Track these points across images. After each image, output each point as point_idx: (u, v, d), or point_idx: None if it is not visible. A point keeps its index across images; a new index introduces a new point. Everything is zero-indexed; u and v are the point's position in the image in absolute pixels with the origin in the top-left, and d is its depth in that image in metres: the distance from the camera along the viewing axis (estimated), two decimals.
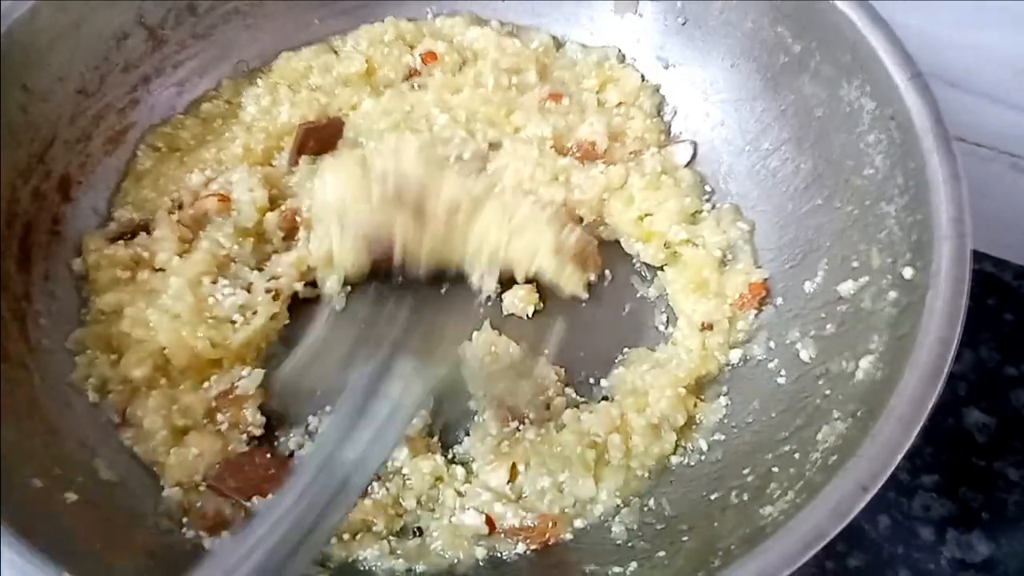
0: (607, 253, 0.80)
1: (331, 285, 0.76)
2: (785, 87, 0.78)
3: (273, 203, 0.79)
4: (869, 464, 0.53)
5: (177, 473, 0.66)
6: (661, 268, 0.79)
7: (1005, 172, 0.87)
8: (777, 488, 0.58)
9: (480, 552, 0.65)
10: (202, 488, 0.66)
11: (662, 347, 0.75)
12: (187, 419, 0.68)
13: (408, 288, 0.78)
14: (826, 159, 0.73)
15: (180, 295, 0.70)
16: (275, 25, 0.88)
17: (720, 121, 0.83)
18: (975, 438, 0.82)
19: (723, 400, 0.71)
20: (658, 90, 0.87)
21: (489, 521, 0.65)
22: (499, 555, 0.65)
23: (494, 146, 0.81)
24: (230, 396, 0.69)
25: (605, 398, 0.72)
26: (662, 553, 0.61)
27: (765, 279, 0.75)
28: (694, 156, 0.84)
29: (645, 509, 0.66)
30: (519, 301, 0.76)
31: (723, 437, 0.69)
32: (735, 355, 0.73)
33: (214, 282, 0.73)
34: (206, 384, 0.70)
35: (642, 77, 0.87)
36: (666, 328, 0.77)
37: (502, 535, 0.65)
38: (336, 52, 0.88)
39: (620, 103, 0.86)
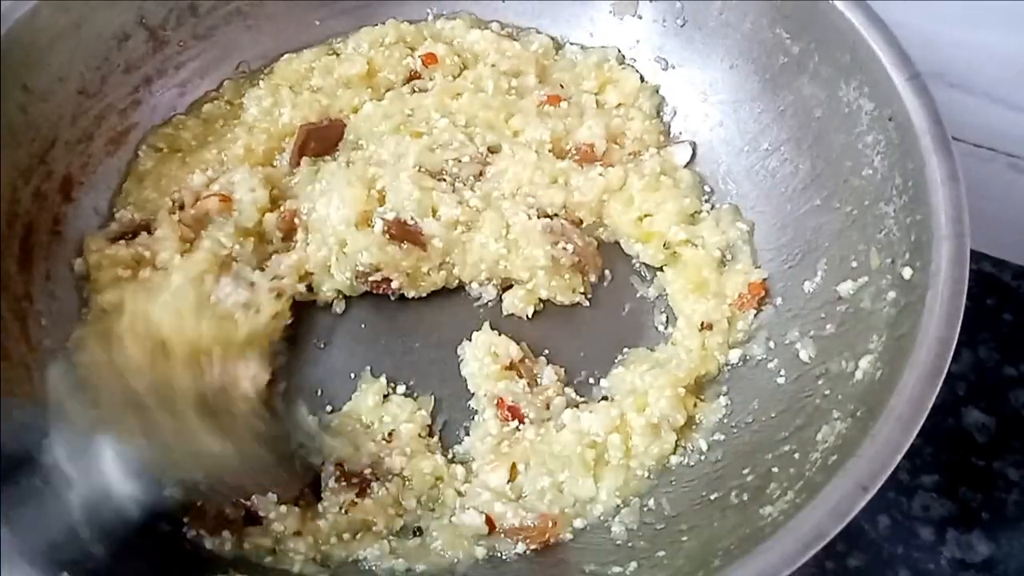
0: (607, 254, 0.80)
1: (328, 291, 0.76)
2: (784, 88, 0.78)
3: (274, 203, 0.79)
4: (869, 464, 0.53)
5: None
6: (661, 268, 0.79)
7: (1004, 172, 0.87)
8: (777, 488, 0.59)
9: (480, 552, 0.65)
10: (202, 487, 0.66)
11: (662, 347, 0.75)
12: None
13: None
14: (825, 160, 0.74)
15: (182, 291, 0.70)
16: (276, 26, 0.88)
17: (719, 122, 0.83)
18: (975, 438, 0.82)
19: (723, 400, 0.71)
20: (657, 91, 0.87)
21: (489, 521, 0.65)
22: (499, 555, 0.65)
23: (493, 150, 0.81)
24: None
25: (605, 398, 0.73)
26: (662, 553, 0.61)
27: (764, 279, 0.75)
28: (693, 156, 0.84)
29: (645, 509, 0.66)
30: (519, 302, 0.76)
31: (723, 437, 0.69)
32: (735, 355, 0.73)
33: (216, 281, 0.73)
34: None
35: (641, 78, 0.87)
36: (666, 328, 0.77)
37: (502, 535, 0.65)
38: (337, 54, 0.88)
39: (619, 104, 0.87)
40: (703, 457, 0.68)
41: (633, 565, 0.60)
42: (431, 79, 0.86)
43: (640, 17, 0.87)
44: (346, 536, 0.65)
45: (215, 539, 0.63)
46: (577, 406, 0.71)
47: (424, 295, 0.77)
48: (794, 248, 0.75)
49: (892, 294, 0.63)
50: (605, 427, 0.68)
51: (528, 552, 0.65)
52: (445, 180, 0.78)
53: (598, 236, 0.81)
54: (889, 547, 0.76)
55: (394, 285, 0.75)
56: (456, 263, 0.76)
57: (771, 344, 0.72)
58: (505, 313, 0.77)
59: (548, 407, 0.71)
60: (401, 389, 0.74)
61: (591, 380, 0.74)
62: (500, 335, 0.74)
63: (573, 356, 0.75)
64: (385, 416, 0.71)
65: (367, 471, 0.67)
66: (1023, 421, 0.82)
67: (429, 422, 0.72)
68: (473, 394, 0.73)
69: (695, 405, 0.71)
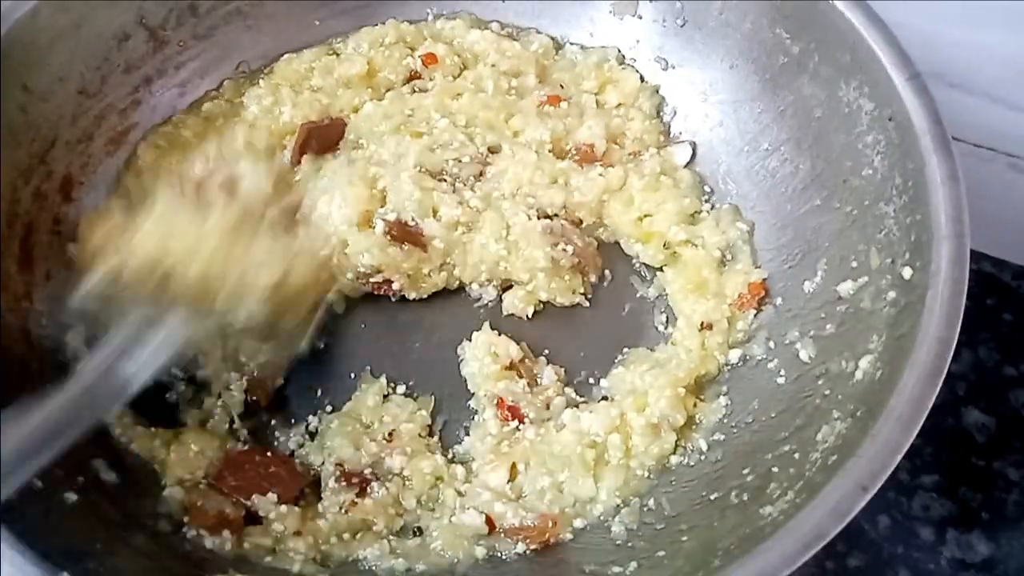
0: (607, 254, 0.80)
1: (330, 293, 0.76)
2: (784, 88, 0.78)
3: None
4: (869, 464, 0.53)
5: (178, 470, 0.66)
6: (660, 268, 0.79)
7: (1004, 172, 0.87)
8: (777, 488, 0.59)
9: (480, 552, 0.65)
10: (202, 487, 0.66)
11: (662, 347, 0.75)
12: None
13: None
14: (825, 160, 0.74)
15: None
16: (276, 26, 0.88)
17: (719, 122, 0.83)
18: (975, 438, 0.82)
19: (723, 400, 0.71)
20: (657, 91, 0.87)
21: (489, 521, 0.65)
22: (499, 555, 0.65)
23: (493, 150, 0.81)
24: None
25: (605, 398, 0.73)
26: (662, 553, 0.61)
27: (764, 279, 0.75)
28: (693, 156, 0.84)
29: (645, 509, 0.66)
30: (519, 302, 0.76)
31: (723, 437, 0.69)
32: (734, 355, 0.73)
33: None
34: None
35: (641, 78, 0.87)
36: (666, 328, 0.77)
37: (502, 535, 0.65)
38: (337, 54, 0.88)
39: (619, 104, 0.87)
40: (703, 457, 0.68)
41: (633, 565, 0.60)
42: (431, 79, 0.86)
43: (640, 17, 0.87)
44: (346, 536, 0.65)
45: (215, 539, 0.63)
46: (577, 406, 0.71)
47: (424, 296, 0.77)
48: (794, 248, 0.75)
49: (892, 294, 0.63)
50: (605, 427, 0.68)
51: (528, 552, 0.65)
52: (446, 180, 0.78)
53: (598, 236, 0.81)
54: (889, 547, 0.76)
55: (395, 287, 0.75)
56: (457, 264, 0.76)
57: (771, 344, 0.72)
58: (505, 313, 0.77)
59: (548, 407, 0.71)
60: (401, 389, 0.74)
61: (591, 380, 0.74)
62: (500, 335, 0.74)
63: (573, 356, 0.75)
64: (385, 416, 0.71)
65: (367, 471, 0.67)
66: (1023, 421, 0.82)
67: (429, 422, 0.72)
68: (473, 394, 0.73)
69: (695, 405, 0.71)
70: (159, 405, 0.70)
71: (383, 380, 0.74)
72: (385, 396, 0.73)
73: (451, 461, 0.70)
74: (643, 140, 0.84)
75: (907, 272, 0.62)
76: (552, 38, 0.90)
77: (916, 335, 0.57)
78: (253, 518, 0.65)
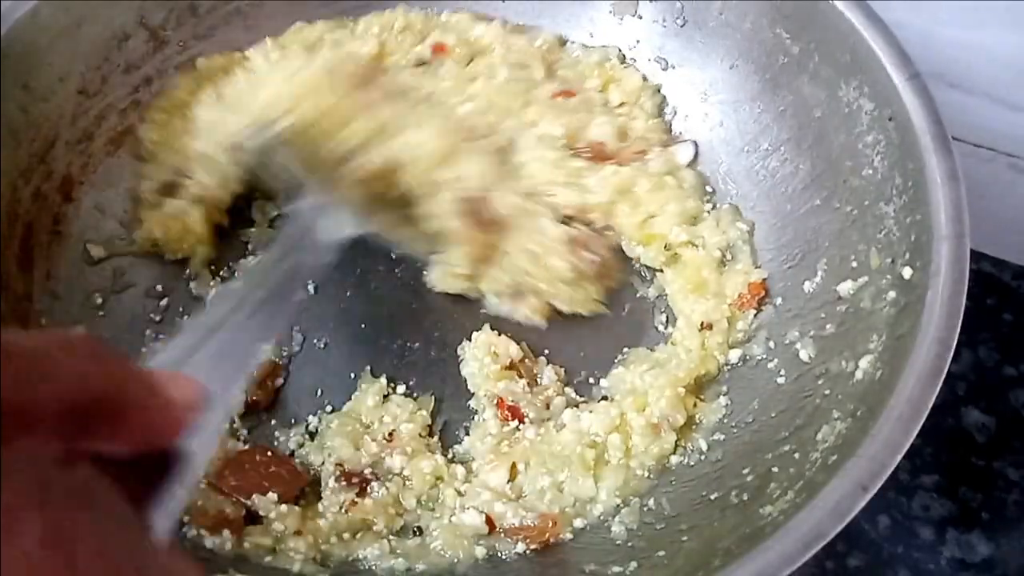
0: None
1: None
2: (784, 88, 0.78)
3: None
4: (869, 464, 0.53)
5: None
6: (660, 269, 0.79)
7: (1004, 172, 0.87)
8: (777, 488, 0.59)
9: (480, 551, 0.65)
10: (202, 486, 0.66)
11: (662, 347, 0.75)
12: None
13: (407, 288, 0.78)
14: (825, 160, 0.74)
15: None
16: (276, 26, 0.88)
17: (719, 122, 0.83)
18: (975, 438, 0.82)
19: (723, 400, 0.71)
20: (659, 90, 0.87)
21: (489, 520, 0.65)
22: (499, 554, 0.65)
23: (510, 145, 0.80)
24: None
25: (605, 398, 0.73)
26: (662, 553, 0.61)
27: (764, 279, 0.75)
28: (696, 156, 0.84)
29: (645, 509, 0.66)
30: (530, 312, 0.75)
31: (723, 437, 0.69)
32: (735, 355, 0.73)
33: None
34: None
35: (643, 77, 0.87)
36: (666, 328, 0.77)
37: (502, 534, 0.65)
38: (350, 31, 0.87)
39: (622, 103, 0.86)
40: (703, 457, 0.68)
41: (633, 565, 0.60)
42: (442, 66, 0.85)
43: (640, 17, 0.87)
44: (346, 536, 0.65)
45: (215, 538, 0.63)
46: (577, 406, 0.71)
47: (424, 296, 0.77)
48: (794, 248, 0.75)
49: (892, 294, 0.63)
50: (605, 427, 0.68)
51: (528, 552, 0.65)
52: None
53: (608, 239, 0.79)
54: (889, 547, 0.76)
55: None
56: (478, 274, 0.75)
57: (771, 344, 0.72)
58: (514, 321, 0.76)
59: (548, 407, 0.71)
60: (401, 389, 0.74)
61: (591, 380, 0.74)
62: (500, 335, 0.74)
63: (573, 356, 0.75)
64: (385, 416, 0.71)
65: (367, 471, 0.67)
66: (1023, 421, 0.82)
67: (429, 422, 0.72)
68: (473, 394, 0.73)
69: (695, 405, 0.71)
70: None
71: (383, 380, 0.74)
72: (385, 396, 0.73)
73: (451, 461, 0.70)
74: (647, 139, 0.83)
75: (907, 272, 0.62)
76: (556, 35, 0.90)
77: (916, 335, 0.57)
78: (253, 518, 0.65)
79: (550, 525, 0.65)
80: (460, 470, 0.69)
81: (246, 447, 0.69)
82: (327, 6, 0.89)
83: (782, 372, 0.69)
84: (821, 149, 0.74)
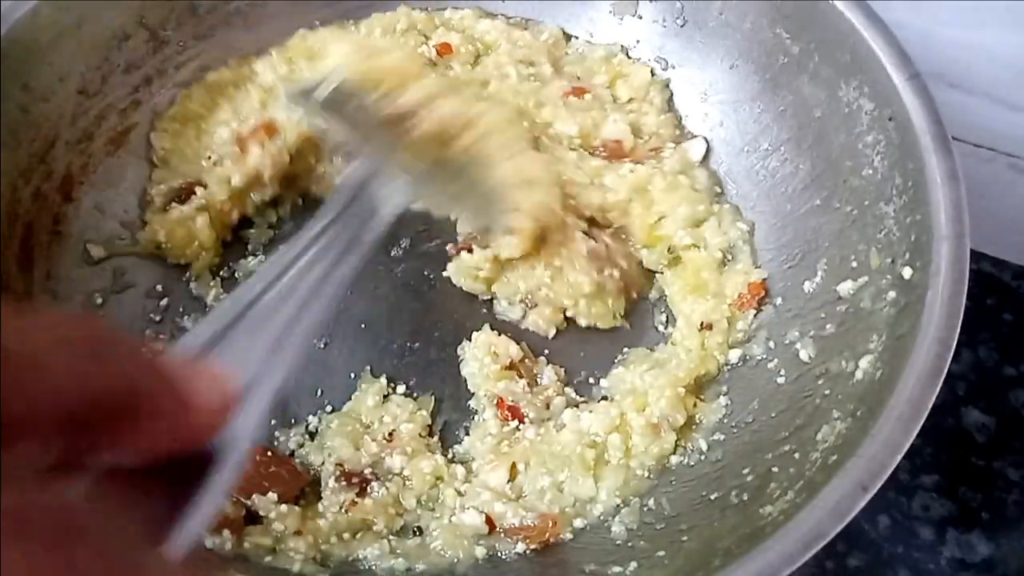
0: None
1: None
2: (784, 88, 0.78)
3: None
4: (869, 464, 0.53)
5: None
6: (661, 271, 0.79)
7: (1004, 172, 0.87)
8: (777, 488, 0.59)
9: (480, 551, 0.65)
10: None
11: (662, 347, 0.75)
12: None
13: (407, 288, 0.78)
14: (825, 160, 0.74)
15: None
16: (277, 26, 0.88)
17: (719, 122, 0.83)
18: (975, 438, 0.82)
19: (723, 400, 0.71)
20: (667, 85, 0.86)
21: (489, 520, 0.65)
22: (499, 554, 0.65)
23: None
24: None
25: (605, 398, 0.73)
26: (662, 553, 0.61)
27: (764, 279, 0.75)
28: (708, 151, 0.83)
29: (645, 509, 0.66)
30: (542, 322, 0.75)
31: (723, 437, 0.69)
32: (734, 355, 0.73)
33: None
34: None
35: (651, 72, 0.86)
36: (666, 328, 0.77)
37: (502, 534, 0.65)
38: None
39: (631, 99, 0.85)
40: (703, 457, 0.68)
41: (633, 565, 0.60)
42: (449, 67, 0.85)
43: (640, 17, 0.87)
44: (346, 536, 0.65)
45: (215, 539, 0.63)
46: (577, 406, 0.71)
47: (424, 295, 0.77)
48: (794, 248, 0.75)
49: (892, 294, 0.63)
50: (605, 427, 0.68)
51: (528, 552, 0.65)
52: None
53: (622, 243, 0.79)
54: (889, 547, 0.76)
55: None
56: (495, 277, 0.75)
57: (771, 344, 0.72)
58: (525, 328, 0.76)
59: (548, 407, 0.71)
60: (401, 389, 0.74)
61: (591, 380, 0.74)
62: (500, 335, 0.74)
63: (573, 356, 0.75)
64: (385, 416, 0.71)
65: (367, 471, 0.67)
66: (1023, 421, 0.82)
67: (429, 422, 0.72)
68: (473, 394, 0.73)
69: (695, 405, 0.71)
70: None
71: (383, 380, 0.74)
72: (385, 396, 0.73)
73: (451, 461, 0.70)
74: (660, 135, 0.82)
75: (907, 272, 0.62)
76: (561, 29, 0.89)
77: (916, 335, 0.57)
78: (253, 518, 0.65)
79: (550, 525, 0.65)
80: (460, 470, 0.69)
81: None
82: (328, 6, 0.89)
83: (782, 372, 0.69)
84: (821, 149, 0.74)
